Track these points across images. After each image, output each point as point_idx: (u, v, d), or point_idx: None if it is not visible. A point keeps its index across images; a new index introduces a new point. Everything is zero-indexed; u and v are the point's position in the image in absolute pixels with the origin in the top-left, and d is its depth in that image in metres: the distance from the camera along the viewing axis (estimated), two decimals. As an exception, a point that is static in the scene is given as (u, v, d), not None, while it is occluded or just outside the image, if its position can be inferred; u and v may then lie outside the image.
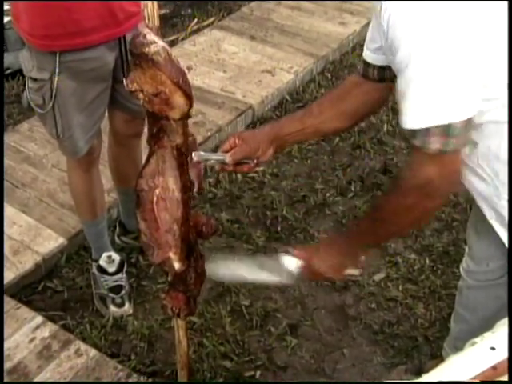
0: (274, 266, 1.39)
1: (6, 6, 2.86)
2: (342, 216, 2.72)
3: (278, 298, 2.35)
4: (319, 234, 2.60)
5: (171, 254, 1.33)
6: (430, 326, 2.24)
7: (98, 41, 1.86)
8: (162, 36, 3.69)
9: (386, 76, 1.43)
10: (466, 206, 2.77)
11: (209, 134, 3.10)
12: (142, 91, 1.08)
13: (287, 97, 3.47)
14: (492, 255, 1.70)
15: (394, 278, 2.42)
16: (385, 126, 3.27)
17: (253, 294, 2.36)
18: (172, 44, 3.81)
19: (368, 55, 1.47)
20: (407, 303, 2.31)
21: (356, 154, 3.09)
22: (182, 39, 3.90)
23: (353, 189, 2.87)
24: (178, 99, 1.09)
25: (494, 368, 1.15)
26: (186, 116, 1.15)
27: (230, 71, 3.57)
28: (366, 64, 1.47)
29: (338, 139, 3.18)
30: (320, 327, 2.25)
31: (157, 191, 1.24)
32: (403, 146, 3.14)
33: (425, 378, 1.17)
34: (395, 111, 3.38)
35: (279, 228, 2.64)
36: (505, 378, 1.12)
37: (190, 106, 1.11)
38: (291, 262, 1.37)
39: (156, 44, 1.04)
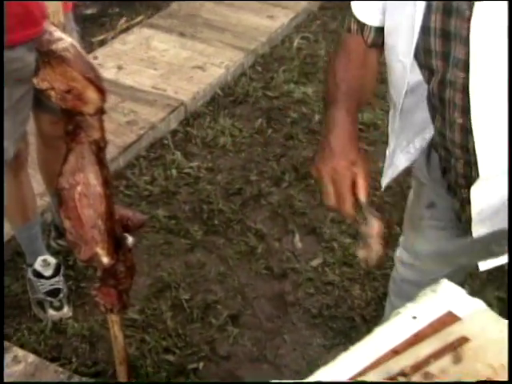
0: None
1: None
2: (278, 206, 2.76)
3: (217, 290, 2.37)
4: (255, 225, 2.64)
5: (98, 249, 1.33)
6: (367, 306, 2.31)
7: (15, 41, 1.83)
8: (91, 36, 3.61)
9: (379, 42, 1.33)
10: (397, 190, 2.86)
11: (142, 132, 3.09)
12: (53, 89, 1.08)
13: (219, 92, 3.50)
14: (426, 252, 1.66)
15: (331, 263, 2.48)
16: (316, 115, 3.34)
17: (192, 287, 2.38)
18: (101, 44, 3.78)
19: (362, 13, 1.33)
20: (344, 286, 2.38)
21: (289, 145, 3.14)
22: (112, 38, 3.87)
23: (287, 178, 2.92)
24: (91, 94, 1.09)
25: (415, 336, 1.22)
26: (102, 110, 1.16)
27: (161, 68, 3.56)
28: (360, 24, 1.35)
29: (270, 131, 3.23)
30: (260, 315, 2.29)
31: (78, 188, 1.24)
32: (335, 134, 3.21)
33: (352, 349, 1.22)
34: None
35: (216, 221, 2.67)
36: (424, 344, 1.17)
37: (104, 99, 1.12)
38: None
39: (63, 40, 1.04)
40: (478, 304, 1.26)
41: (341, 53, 1.40)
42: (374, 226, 1.20)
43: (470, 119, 1.23)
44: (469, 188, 1.34)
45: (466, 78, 1.19)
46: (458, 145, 1.31)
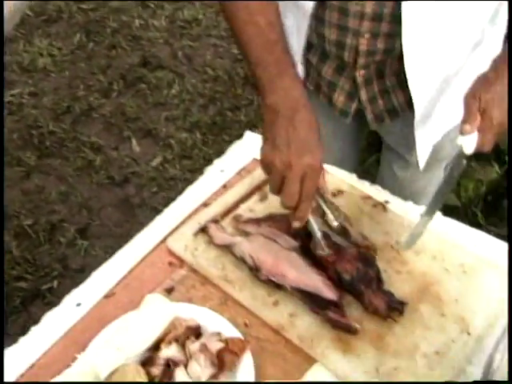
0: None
1: None
2: (110, 116, 2.70)
3: (61, 209, 2.32)
4: (90, 139, 2.58)
5: None
6: (212, 192, 2.36)
7: None
8: None
9: None
10: (225, 78, 2.89)
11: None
12: None
13: (28, 12, 3.26)
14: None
15: (170, 159, 2.49)
16: (136, 21, 3.24)
17: (34, 212, 2.30)
18: None
19: None
20: (186, 178, 2.40)
21: (113, 55, 3.04)
22: None
23: (116, 88, 2.84)
24: None
25: (224, 187, 1.26)
26: None
27: (-42, -3, 3.26)
28: None
29: (92, 44, 3.10)
30: (109, 223, 2.28)
31: None
32: (158, 37, 3.15)
33: (165, 211, 1.25)
34: (144, 6, 3.36)
35: (48, 143, 2.56)
36: (232, 192, 1.22)
37: None
38: (469, 142, 0.99)
39: None
40: (280, 147, 1.33)
41: None
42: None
43: None
44: (367, 68, 1.17)
45: None
46: (368, 16, 1.09)
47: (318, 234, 1.03)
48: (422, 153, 1.27)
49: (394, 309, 1.00)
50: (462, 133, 0.97)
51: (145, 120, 2.68)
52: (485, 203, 2.10)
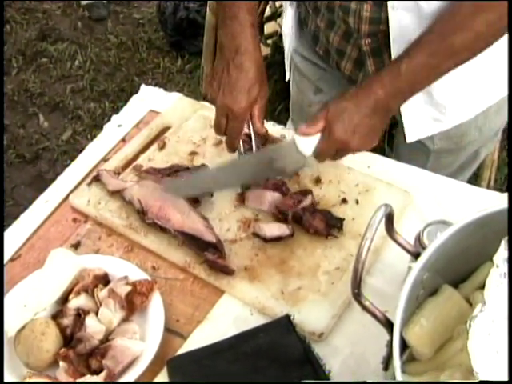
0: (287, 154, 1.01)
1: None
2: (13, 94, 2.63)
3: (-29, 193, 2.25)
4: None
5: None
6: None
7: None
8: None
9: None
10: (129, 44, 2.84)
11: None
12: None
13: None
14: None
15: (81, 131, 2.46)
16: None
17: None
18: None
19: None
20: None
21: (7, 30, 2.93)
22: None
23: (15, 64, 2.76)
24: None
25: (122, 141, 1.26)
26: None
27: None
28: None
29: (-16, 21, 2.98)
30: (24, 202, 2.21)
31: None
32: (54, 8, 3.05)
33: (66, 170, 1.25)
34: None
35: (-50, 128, 2.47)
36: (131, 144, 1.22)
37: None
38: (306, 143, 0.97)
39: None
40: (176, 96, 1.33)
41: None
42: None
43: None
44: (374, 37, 1.10)
45: None
46: None
47: None
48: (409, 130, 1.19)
49: (333, 226, 1.04)
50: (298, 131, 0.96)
51: (50, 94, 2.61)
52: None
